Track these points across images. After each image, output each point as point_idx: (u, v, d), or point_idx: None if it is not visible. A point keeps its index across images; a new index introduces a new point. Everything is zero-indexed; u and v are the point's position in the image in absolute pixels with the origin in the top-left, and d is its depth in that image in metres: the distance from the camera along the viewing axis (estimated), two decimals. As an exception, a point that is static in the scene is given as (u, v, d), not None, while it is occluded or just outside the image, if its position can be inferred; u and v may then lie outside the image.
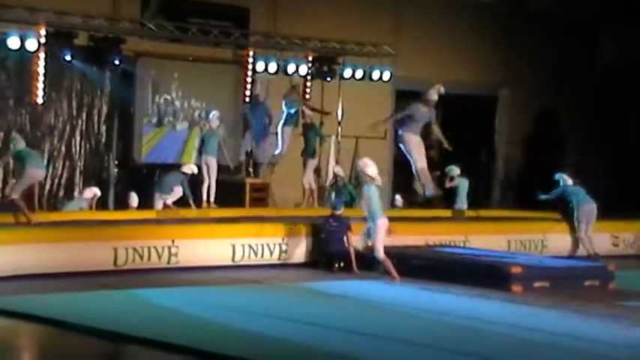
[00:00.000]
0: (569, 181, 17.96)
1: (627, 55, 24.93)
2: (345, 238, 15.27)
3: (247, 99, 20.31)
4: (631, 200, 21.31)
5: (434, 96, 16.28)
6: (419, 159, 16.25)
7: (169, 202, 17.86)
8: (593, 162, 24.11)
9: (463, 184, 20.23)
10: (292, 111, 19.79)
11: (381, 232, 14.13)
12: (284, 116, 19.72)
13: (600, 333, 10.99)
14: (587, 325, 11.41)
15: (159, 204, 17.75)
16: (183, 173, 17.89)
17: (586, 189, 17.79)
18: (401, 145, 16.46)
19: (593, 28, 25.31)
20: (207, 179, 18.16)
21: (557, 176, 18.02)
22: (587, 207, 17.50)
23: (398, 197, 21.33)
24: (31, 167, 15.25)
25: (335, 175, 19.85)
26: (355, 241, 15.11)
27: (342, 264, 15.16)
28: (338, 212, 15.61)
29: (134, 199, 18.04)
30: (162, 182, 18.08)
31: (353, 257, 15.16)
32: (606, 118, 24.53)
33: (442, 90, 16.27)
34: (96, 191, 17.85)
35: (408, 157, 16.37)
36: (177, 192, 17.83)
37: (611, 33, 25.33)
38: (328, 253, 15.31)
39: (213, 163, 18.25)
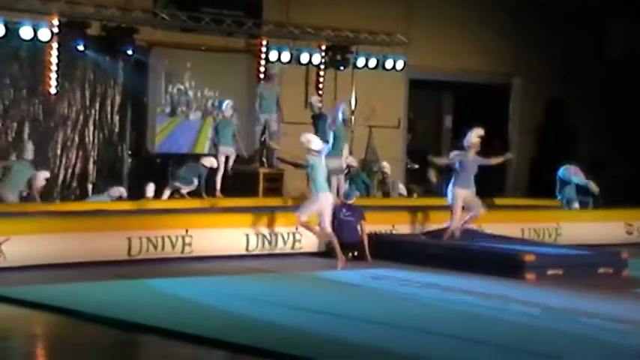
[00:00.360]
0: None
1: (636, 46, 24.82)
2: (358, 227, 15.28)
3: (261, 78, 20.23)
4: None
5: (475, 139, 15.18)
6: (455, 219, 15.24)
7: (184, 191, 17.92)
8: (604, 151, 24.04)
9: None
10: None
11: (320, 205, 14.38)
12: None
13: (614, 320, 10.97)
14: (601, 313, 11.39)
15: (166, 194, 17.81)
16: (204, 166, 17.95)
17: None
18: (449, 199, 15.33)
19: (603, 18, 25.21)
20: (222, 169, 18.17)
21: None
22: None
23: (402, 186, 21.19)
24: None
25: (348, 166, 19.83)
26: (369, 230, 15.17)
27: (355, 253, 15.17)
28: (350, 201, 15.62)
29: (151, 188, 18.05)
30: (181, 173, 18.12)
31: (366, 246, 15.19)
32: (616, 108, 24.45)
33: (482, 132, 15.21)
34: (122, 191, 17.91)
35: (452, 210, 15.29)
36: (194, 183, 17.92)
37: (620, 23, 25.22)
38: (341, 242, 15.30)
39: (232, 153, 18.28)
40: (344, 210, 15.44)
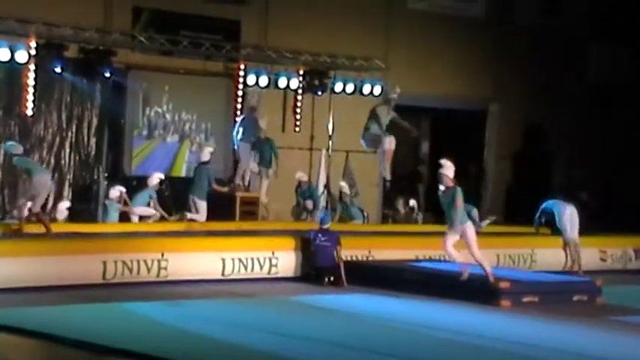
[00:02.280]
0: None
1: (615, 71, 25.03)
2: (334, 253, 15.28)
3: (239, 112, 20.29)
4: (618, 215, 21.37)
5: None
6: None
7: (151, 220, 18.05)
8: (580, 177, 24.17)
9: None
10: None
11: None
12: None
13: (588, 347, 11.01)
14: (575, 340, 11.42)
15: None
16: (150, 187, 18.13)
17: (573, 203, 17.68)
18: None
19: (582, 44, 25.43)
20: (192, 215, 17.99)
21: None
22: (568, 210, 16.99)
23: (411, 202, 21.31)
24: (38, 176, 15.26)
25: (340, 192, 20.11)
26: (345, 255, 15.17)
27: (331, 278, 15.17)
28: (326, 226, 15.63)
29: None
30: (135, 202, 18.12)
31: (343, 271, 15.18)
32: (594, 134, 24.61)
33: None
34: (121, 189, 17.98)
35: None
36: (151, 210, 18.03)
37: (599, 49, 25.43)
38: (318, 267, 15.32)
39: (202, 206, 17.98)
40: (320, 235, 15.44)
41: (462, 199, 13.99)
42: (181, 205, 18.31)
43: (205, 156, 18.40)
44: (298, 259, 15.63)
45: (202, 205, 18.00)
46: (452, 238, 14.04)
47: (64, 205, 17.81)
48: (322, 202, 20.45)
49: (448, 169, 14.15)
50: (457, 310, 13.27)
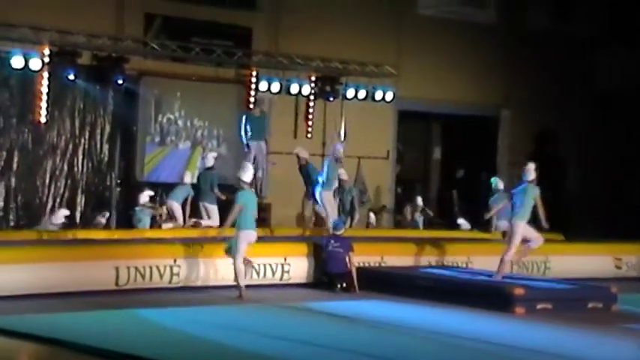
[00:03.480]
0: (501, 185, 18.00)
1: (625, 77, 24.97)
2: (346, 259, 15.25)
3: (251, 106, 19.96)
4: (633, 222, 21.27)
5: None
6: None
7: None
8: (593, 184, 24.11)
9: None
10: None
11: (242, 243, 13.94)
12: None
13: (602, 355, 10.95)
14: (590, 347, 11.36)
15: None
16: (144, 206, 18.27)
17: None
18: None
19: (592, 49, 25.39)
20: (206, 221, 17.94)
21: (492, 180, 17.99)
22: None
23: (464, 221, 21.09)
24: None
25: (339, 180, 19.63)
26: (356, 261, 15.14)
27: (344, 284, 15.14)
28: (339, 232, 15.60)
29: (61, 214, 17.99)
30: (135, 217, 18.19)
31: (355, 277, 15.15)
32: (605, 139, 24.54)
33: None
34: (150, 193, 18.23)
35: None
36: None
37: (609, 55, 25.39)
38: (330, 274, 15.29)
39: (213, 210, 17.91)
40: (332, 241, 15.41)
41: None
42: (193, 212, 18.32)
43: (209, 161, 18.33)
44: (310, 265, 15.60)
45: (213, 209, 17.97)
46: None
47: (63, 212, 17.81)
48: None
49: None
50: (470, 316, 13.22)
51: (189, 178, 18.48)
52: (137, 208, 18.12)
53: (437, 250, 16.84)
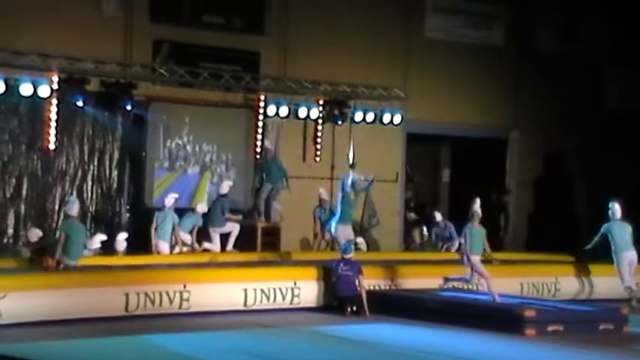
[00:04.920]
0: (618, 214, 17.31)
1: (634, 98, 24.95)
2: (356, 282, 15.23)
3: (258, 155, 20.44)
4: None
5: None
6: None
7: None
8: (603, 205, 23.99)
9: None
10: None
11: None
12: None
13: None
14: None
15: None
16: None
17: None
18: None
19: (601, 70, 25.39)
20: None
21: (609, 205, 17.38)
22: (626, 254, 16.99)
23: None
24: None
25: (320, 199, 19.89)
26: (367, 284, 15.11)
27: (354, 308, 15.10)
28: (348, 256, 15.58)
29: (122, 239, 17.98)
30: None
31: (365, 301, 15.12)
32: (614, 160, 24.48)
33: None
34: (175, 195, 18.23)
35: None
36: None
37: (618, 76, 25.39)
38: (340, 297, 15.26)
39: (216, 236, 18.53)
40: (342, 265, 15.40)
41: None
42: (203, 236, 18.39)
43: (224, 189, 18.88)
44: (320, 289, 15.58)
45: (216, 235, 18.28)
46: None
47: (122, 236, 17.83)
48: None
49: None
50: (482, 339, 13.17)
51: (201, 208, 18.60)
52: (165, 211, 17.91)
53: (447, 272, 16.79)
